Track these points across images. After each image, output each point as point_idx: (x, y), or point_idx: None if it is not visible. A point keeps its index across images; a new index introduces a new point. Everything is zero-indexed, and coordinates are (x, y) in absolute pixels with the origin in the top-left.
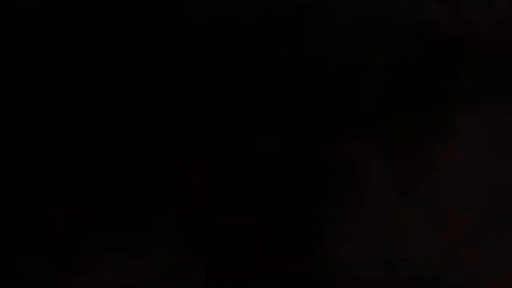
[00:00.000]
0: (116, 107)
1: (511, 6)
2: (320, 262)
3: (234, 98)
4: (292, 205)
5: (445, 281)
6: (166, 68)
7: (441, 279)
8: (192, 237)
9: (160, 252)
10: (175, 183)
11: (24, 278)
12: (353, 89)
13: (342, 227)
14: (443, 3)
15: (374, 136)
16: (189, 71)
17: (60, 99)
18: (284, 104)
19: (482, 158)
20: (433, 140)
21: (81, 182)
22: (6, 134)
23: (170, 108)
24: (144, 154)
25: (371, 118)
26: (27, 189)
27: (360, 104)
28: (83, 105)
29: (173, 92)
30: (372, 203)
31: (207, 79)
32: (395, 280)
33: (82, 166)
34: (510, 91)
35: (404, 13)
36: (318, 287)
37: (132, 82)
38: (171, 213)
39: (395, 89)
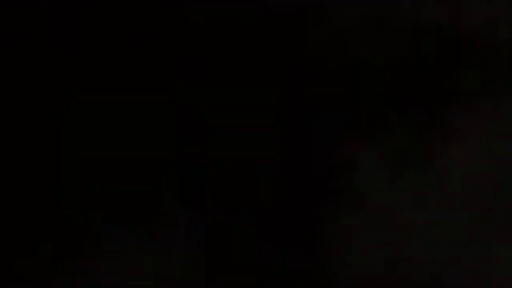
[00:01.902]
0: (116, 107)
1: (511, 6)
2: (320, 262)
3: (234, 98)
4: (292, 205)
5: (445, 281)
6: (166, 68)
7: (441, 279)
8: (192, 237)
9: (160, 252)
10: (175, 184)
11: (24, 278)
12: (353, 89)
13: (342, 227)
14: (443, 3)
15: (374, 136)
16: (189, 71)
17: (60, 99)
18: (284, 104)
19: (482, 158)
20: (433, 140)
21: (81, 183)
22: (6, 134)
23: (169, 108)
24: (143, 154)
25: (371, 118)
26: (28, 189)
27: (360, 104)
28: (85, 105)
29: (173, 91)
30: (372, 203)
31: (207, 78)
32: (395, 280)
33: (82, 166)
34: (510, 91)
35: (404, 13)
36: (318, 287)
37: (132, 81)
38: (172, 213)
39: (395, 89)
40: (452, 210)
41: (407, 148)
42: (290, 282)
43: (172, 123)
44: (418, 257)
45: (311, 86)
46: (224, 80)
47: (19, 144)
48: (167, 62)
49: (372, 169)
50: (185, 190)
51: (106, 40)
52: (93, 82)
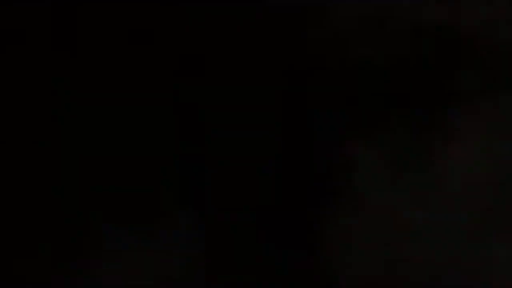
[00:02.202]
0: (116, 107)
1: (511, 6)
2: (320, 262)
3: (234, 98)
4: (292, 205)
5: (445, 281)
6: (166, 68)
7: (441, 279)
8: (192, 237)
9: (160, 252)
10: (175, 184)
11: (24, 278)
12: (353, 89)
13: (342, 227)
14: (443, 3)
15: (374, 136)
16: (189, 71)
17: (60, 99)
18: (284, 104)
19: (482, 158)
20: (433, 140)
21: (81, 183)
22: (6, 134)
23: (169, 108)
24: (143, 154)
25: (371, 118)
26: (28, 189)
27: (360, 104)
28: (85, 105)
29: (173, 91)
30: (372, 203)
31: (207, 78)
32: (395, 280)
33: (82, 166)
34: (510, 91)
35: (404, 13)
36: (318, 287)
37: (132, 81)
38: (172, 213)
39: (395, 89)
40: (452, 210)
41: (407, 148)
42: (290, 282)
43: (172, 123)
44: (418, 257)
45: (311, 86)
46: (224, 80)
47: (19, 144)
48: (167, 62)
49: (372, 169)
50: (185, 190)
51: (106, 40)
52: (93, 82)
